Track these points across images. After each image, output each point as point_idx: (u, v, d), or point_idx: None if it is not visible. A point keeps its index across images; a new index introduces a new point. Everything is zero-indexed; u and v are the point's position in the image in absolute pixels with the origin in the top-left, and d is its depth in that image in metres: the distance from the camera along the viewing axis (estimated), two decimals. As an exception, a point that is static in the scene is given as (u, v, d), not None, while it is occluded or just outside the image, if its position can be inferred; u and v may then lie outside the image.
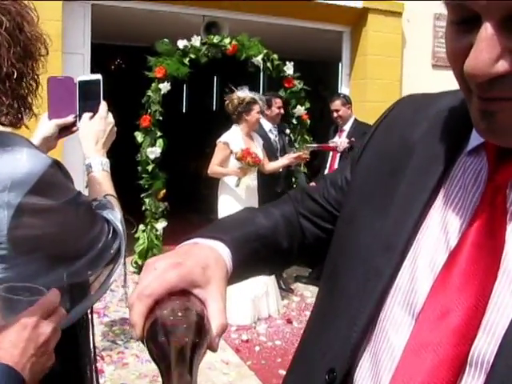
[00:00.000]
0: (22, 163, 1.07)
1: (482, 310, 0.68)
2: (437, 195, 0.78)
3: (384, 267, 0.77)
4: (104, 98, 1.53)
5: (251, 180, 4.85)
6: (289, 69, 6.10)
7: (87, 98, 1.51)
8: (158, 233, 5.79)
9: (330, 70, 8.72)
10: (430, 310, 0.72)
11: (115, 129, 1.55)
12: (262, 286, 4.91)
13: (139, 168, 5.72)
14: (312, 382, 0.84)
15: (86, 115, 1.49)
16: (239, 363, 4.14)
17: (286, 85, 6.16)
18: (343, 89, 6.96)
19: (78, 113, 1.50)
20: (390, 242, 0.78)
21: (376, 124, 0.94)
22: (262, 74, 8.94)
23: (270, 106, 5.44)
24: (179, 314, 0.68)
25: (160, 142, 5.69)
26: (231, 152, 4.76)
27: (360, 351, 0.79)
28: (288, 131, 6.05)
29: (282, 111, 5.63)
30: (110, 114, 1.54)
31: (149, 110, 5.65)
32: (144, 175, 5.70)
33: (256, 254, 0.92)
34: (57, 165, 1.15)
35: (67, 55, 5.36)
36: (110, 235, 1.30)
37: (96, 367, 1.44)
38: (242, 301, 4.74)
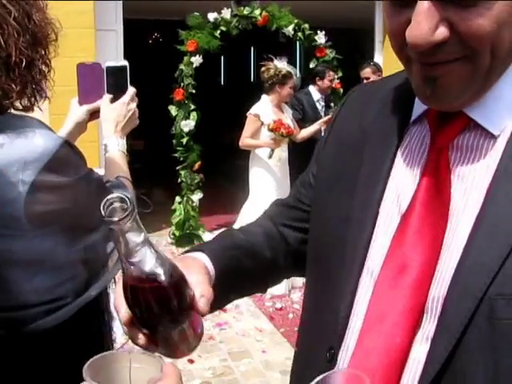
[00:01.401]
0: (34, 143, 1.14)
1: (434, 263, 0.75)
2: (392, 168, 0.83)
3: (358, 243, 0.83)
4: (131, 83, 1.59)
5: (283, 151, 4.90)
6: (320, 38, 6.07)
7: (115, 83, 1.57)
8: (194, 204, 5.91)
9: (367, 37, 8.61)
10: (388, 269, 0.79)
11: (137, 115, 1.61)
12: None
13: (174, 141, 5.82)
14: (316, 358, 0.90)
15: (107, 98, 1.56)
16: (273, 330, 4.25)
17: (318, 54, 6.14)
18: (376, 56, 6.88)
19: None
20: (359, 217, 0.84)
21: (333, 117, 1.01)
22: (297, 43, 8.90)
23: (322, 77, 5.63)
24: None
25: (194, 114, 5.77)
26: (262, 124, 4.80)
27: (348, 328, 0.84)
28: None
29: (334, 85, 5.77)
30: (135, 102, 1.59)
31: (182, 84, 5.72)
32: (179, 148, 5.81)
33: (237, 261, 0.96)
34: (68, 144, 1.23)
35: (100, 32, 5.46)
36: None
37: (111, 335, 1.54)
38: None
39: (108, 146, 1.54)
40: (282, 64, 4.88)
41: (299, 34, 6.00)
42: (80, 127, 1.58)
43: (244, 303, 4.70)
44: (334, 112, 1.02)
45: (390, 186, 0.83)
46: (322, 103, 5.70)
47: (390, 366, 0.76)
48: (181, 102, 5.74)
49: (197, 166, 5.90)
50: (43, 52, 1.22)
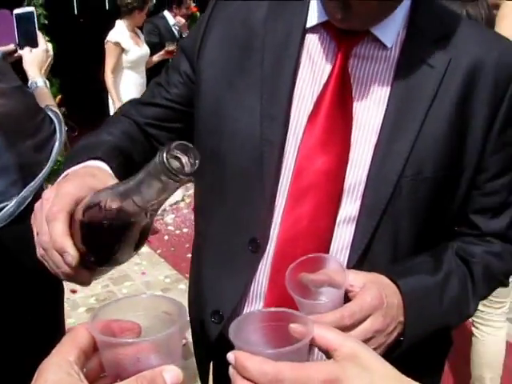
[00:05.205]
0: None
1: (346, 154, 0.90)
2: (297, 68, 0.94)
3: (273, 137, 0.92)
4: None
5: (142, 78, 4.87)
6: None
7: (24, 28, 1.77)
8: (59, 139, 5.76)
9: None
10: (302, 162, 0.91)
11: (52, 60, 1.85)
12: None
13: (31, 75, 5.58)
14: (235, 253, 0.97)
15: (27, 49, 1.76)
16: (150, 252, 4.40)
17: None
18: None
19: (17, 41, 1.76)
20: (272, 114, 0.93)
21: (206, 18, 1.03)
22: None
23: (180, 4, 5.67)
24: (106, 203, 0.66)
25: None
26: (123, 50, 4.73)
27: (273, 219, 0.94)
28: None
29: (190, 12, 5.77)
30: (50, 46, 1.83)
31: (32, 14, 5.44)
32: (37, 82, 5.58)
33: (123, 167, 0.90)
34: (4, 58, 1.39)
35: None
36: (52, 126, 1.57)
37: None
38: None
39: (38, 83, 1.73)
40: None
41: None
42: None
43: (120, 231, 4.78)
44: (206, 11, 1.03)
45: (297, 88, 0.93)
46: (178, 29, 5.68)
47: (317, 249, 0.88)
48: (34, 33, 5.47)
49: (58, 99, 5.72)
50: None
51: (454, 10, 1.97)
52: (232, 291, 0.98)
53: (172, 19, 5.64)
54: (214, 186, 1.01)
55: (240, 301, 0.98)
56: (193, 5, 6.10)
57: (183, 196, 5.36)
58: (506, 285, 1.05)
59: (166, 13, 5.67)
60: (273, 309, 0.65)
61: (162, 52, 5.19)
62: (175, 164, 0.58)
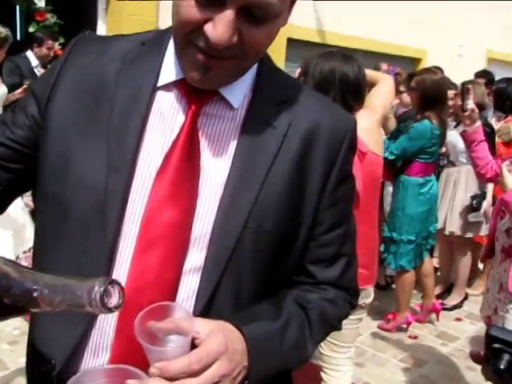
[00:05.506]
0: None
1: (193, 206, 0.94)
2: (146, 123, 0.98)
3: (116, 187, 0.94)
4: None
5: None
6: (40, 1, 5.87)
7: None
8: None
9: (91, 4, 8.42)
10: (151, 214, 0.93)
11: None
12: (20, 219, 4.81)
13: None
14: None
15: None
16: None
17: (38, 18, 5.93)
18: (100, 24, 6.86)
19: None
20: (117, 165, 0.95)
21: (59, 65, 1.04)
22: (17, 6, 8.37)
23: (40, 44, 5.53)
24: None
25: None
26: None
27: (116, 269, 0.94)
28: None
29: (52, 54, 5.63)
30: None
31: None
32: None
33: None
34: None
35: None
36: None
37: None
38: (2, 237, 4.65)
39: None
40: None
41: (18, -5, 5.73)
42: None
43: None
44: (60, 58, 1.05)
45: (146, 142, 0.97)
46: (41, 69, 5.56)
47: (164, 299, 0.89)
48: None
49: None
50: None
51: (354, 68, 2.29)
52: (66, 340, 0.96)
53: (35, 60, 5.53)
54: (54, 232, 1.00)
55: (78, 351, 0.96)
56: (58, 47, 6.00)
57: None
58: (339, 329, 1.14)
59: (29, 53, 5.57)
60: (111, 365, 0.68)
61: (20, 90, 5.03)
62: (109, 300, 0.66)
